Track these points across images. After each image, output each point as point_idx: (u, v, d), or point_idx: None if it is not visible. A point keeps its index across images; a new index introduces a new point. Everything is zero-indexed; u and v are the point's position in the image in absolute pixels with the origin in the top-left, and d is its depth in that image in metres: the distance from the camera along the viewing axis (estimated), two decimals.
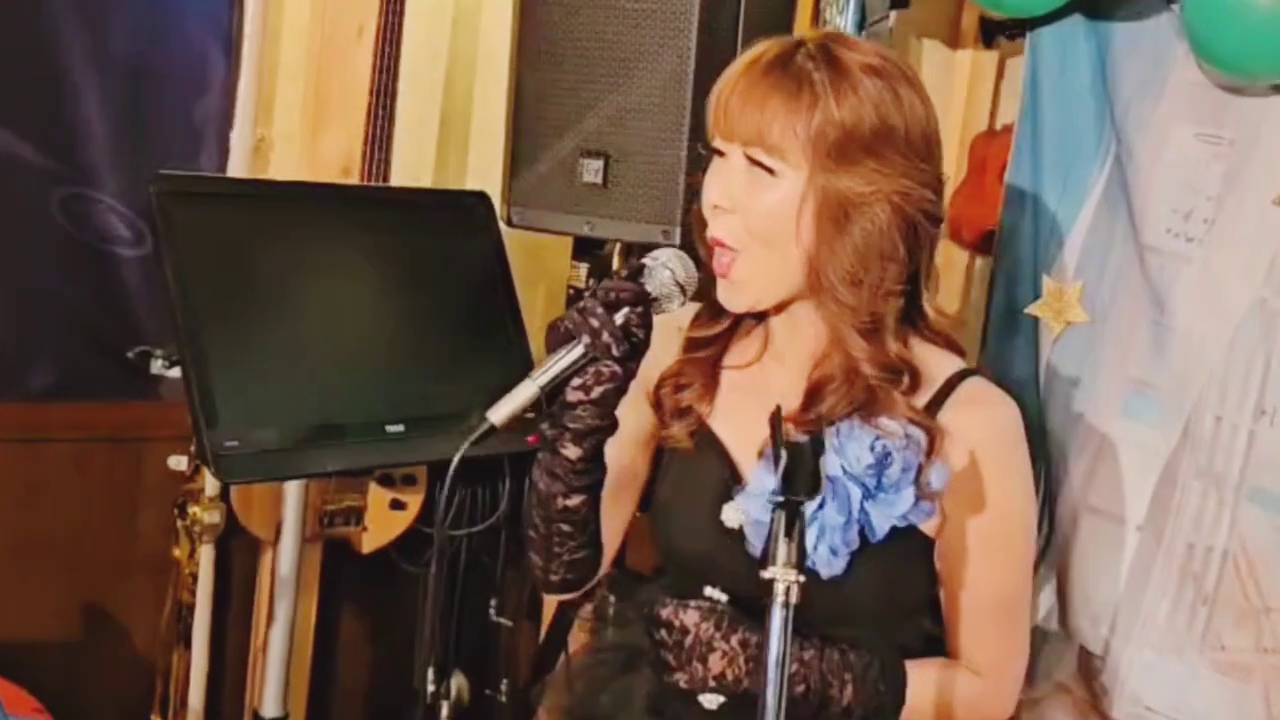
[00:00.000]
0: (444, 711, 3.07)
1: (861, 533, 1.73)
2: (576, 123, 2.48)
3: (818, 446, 1.43)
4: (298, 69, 3.00)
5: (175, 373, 2.35)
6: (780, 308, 1.82)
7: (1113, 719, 2.40)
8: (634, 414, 1.87)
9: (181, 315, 2.16)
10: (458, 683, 3.14)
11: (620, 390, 1.71)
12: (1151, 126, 2.41)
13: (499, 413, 1.68)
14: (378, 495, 2.89)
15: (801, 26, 2.79)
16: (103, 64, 2.83)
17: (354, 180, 2.84)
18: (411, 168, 3.06)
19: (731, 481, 1.83)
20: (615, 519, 1.93)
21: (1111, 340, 2.46)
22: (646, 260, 1.75)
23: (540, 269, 3.19)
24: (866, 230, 1.72)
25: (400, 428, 2.33)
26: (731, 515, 1.81)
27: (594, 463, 1.77)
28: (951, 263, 3.05)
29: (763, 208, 1.73)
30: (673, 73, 2.38)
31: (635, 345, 1.70)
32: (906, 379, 1.78)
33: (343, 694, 3.28)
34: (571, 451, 1.75)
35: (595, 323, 1.67)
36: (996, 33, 3.06)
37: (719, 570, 1.83)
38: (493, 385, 2.49)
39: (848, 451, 1.71)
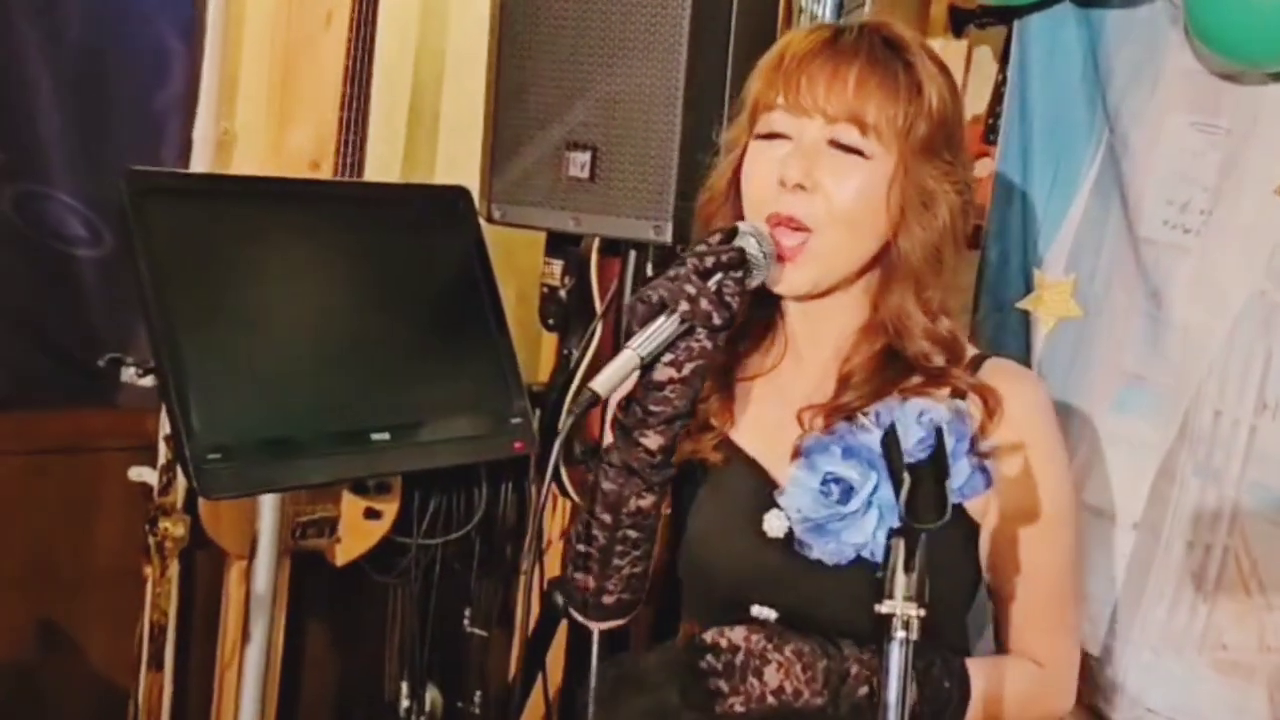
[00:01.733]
0: None
1: None
2: (561, 113, 2.40)
3: (940, 469, 1.35)
4: (262, 58, 2.91)
5: (148, 382, 2.25)
6: (812, 300, 1.77)
7: None
8: None
9: (157, 321, 2.06)
10: (431, 695, 3.08)
11: (707, 372, 1.66)
12: (1146, 116, 2.40)
13: (603, 382, 1.58)
14: (351, 504, 2.80)
15: (781, 15, 2.76)
16: (57, 53, 2.72)
17: (324, 174, 2.76)
18: (381, 161, 2.97)
19: (766, 492, 1.75)
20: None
21: (1105, 334, 2.44)
22: (739, 229, 1.68)
23: (511, 266, 3.12)
24: (944, 212, 1.72)
25: (386, 435, 2.25)
26: (775, 524, 1.73)
27: (670, 457, 1.70)
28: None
29: (851, 190, 1.69)
30: (664, 58, 2.31)
31: (731, 317, 1.63)
32: (957, 355, 1.76)
33: (312, 710, 3.20)
34: (653, 441, 1.67)
35: (691, 289, 1.61)
36: (965, 22, 3.06)
37: (764, 585, 1.75)
38: (475, 389, 2.48)
39: (904, 430, 1.64)
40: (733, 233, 1.68)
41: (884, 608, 1.37)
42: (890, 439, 1.38)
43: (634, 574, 1.78)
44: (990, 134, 2.87)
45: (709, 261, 1.63)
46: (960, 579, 1.78)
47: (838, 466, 1.67)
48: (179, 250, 2.14)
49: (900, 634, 1.37)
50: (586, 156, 2.38)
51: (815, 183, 1.69)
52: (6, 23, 2.68)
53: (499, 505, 3.01)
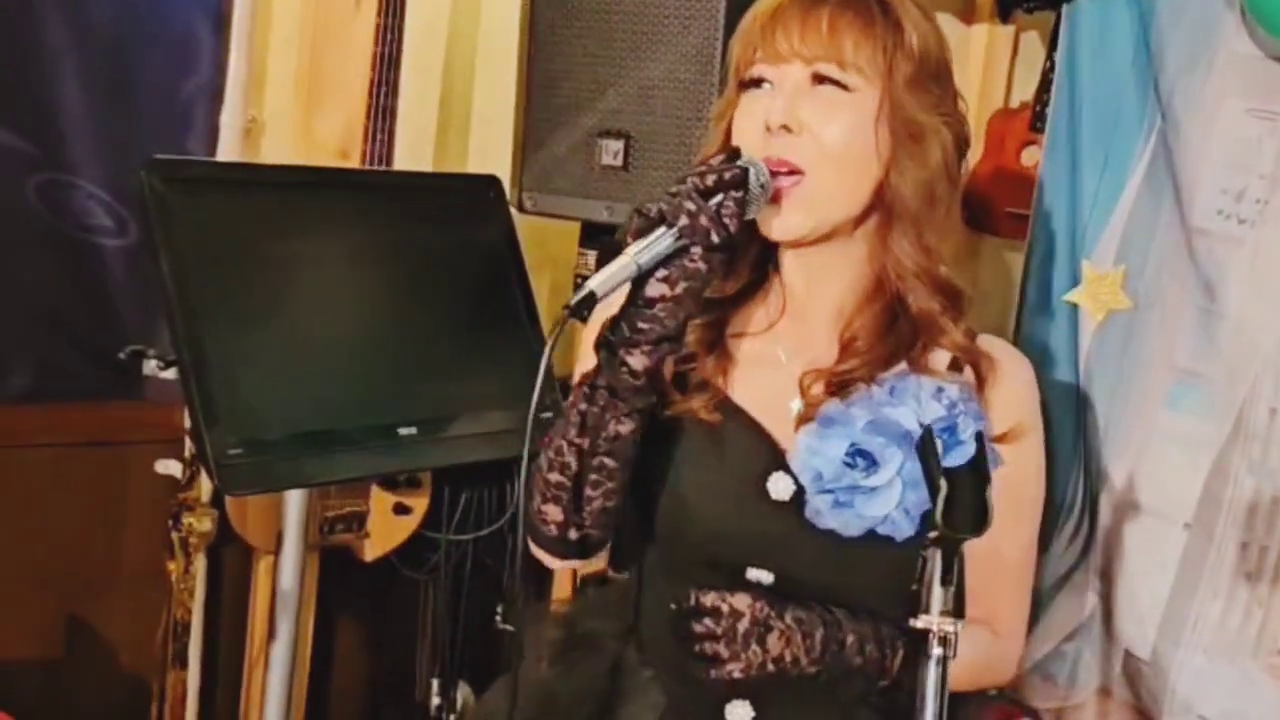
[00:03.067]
0: None
1: None
2: (594, 101, 2.37)
3: (982, 473, 1.28)
4: (290, 44, 2.89)
5: (170, 374, 2.22)
6: (810, 250, 1.75)
7: None
8: None
9: (179, 313, 2.03)
10: (463, 693, 3.06)
11: (699, 295, 1.63)
12: (1200, 102, 2.33)
13: (600, 282, 1.55)
14: (380, 499, 2.78)
15: None
16: (82, 39, 2.69)
17: (353, 163, 2.74)
18: (412, 149, 2.94)
19: (770, 455, 1.73)
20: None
21: (1157, 328, 2.37)
22: (742, 159, 1.66)
23: (546, 256, 3.09)
24: (936, 148, 1.72)
25: (413, 430, 2.21)
26: (780, 487, 1.71)
27: (655, 382, 1.67)
28: (971, 247, 2.99)
29: (837, 126, 1.68)
30: (699, 45, 2.28)
31: (729, 238, 1.60)
32: (955, 305, 1.75)
33: (341, 708, 3.19)
34: (638, 361, 1.63)
35: (692, 206, 1.58)
36: (1013, 6, 3.02)
37: (765, 549, 1.73)
38: (507, 382, 2.43)
39: (912, 404, 1.64)
40: (735, 154, 1.67)
41: (919, 623, 1.31)
42: (927, 442, 1.32)
43: (605, 508, 1.74)
44: (1038, 122, 2.83)
45: (710, 180, 1.61)
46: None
47: (862, 439, 1.65)
48: (201, 240, 2.11)
49: (937, 651, 1.30)
50: (620, 145, 2.35)
51: (801, 123, 1.68)
52: (33, 12, 2.66)
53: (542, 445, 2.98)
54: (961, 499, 1.29)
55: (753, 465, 1.74)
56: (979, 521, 1.30)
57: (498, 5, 3.01)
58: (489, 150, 2.91)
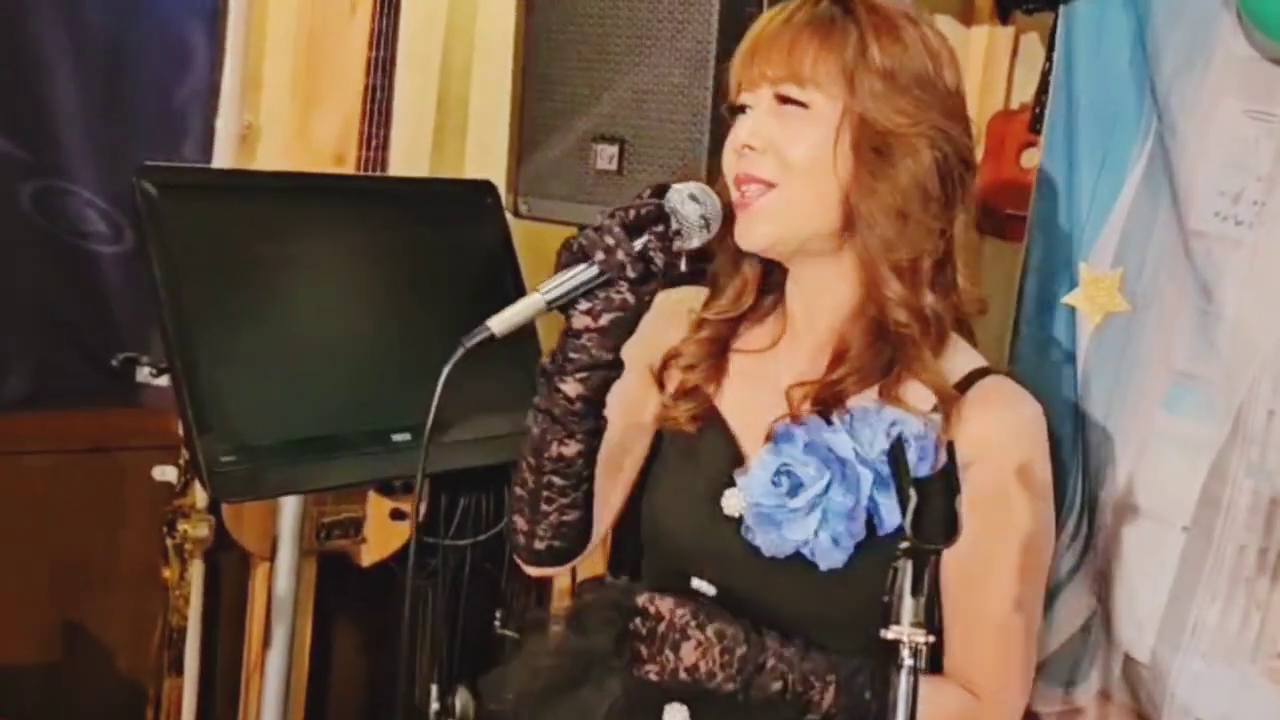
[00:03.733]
0: None
1: (869, 524, 1.66)
2: (589, 105, 2.36)
3: (951, 483, 1.28)
4: (286, 48, 2.89)
5: (163, 381, 2.22)
6: (802, 268, 1.77)
7: None
8: (637, 388, 1.83)
9: (171, 320, 2.03)
10: (462, 699, 3.06)
11: (629, 325, 1.66)
12: (1197, 103, 2.32)
13: (501, 321, 1.61)
14: (377, 504, 2.78)
15: None
16: (76, 44, 2.70)
17: (349, 167, 2.74)
18: (408, 153, 2.94)
19: (733, 468, 1.76)
20: (609, 494, 1.86)
21: (1154, 330, 2.36)
22: (673, 185, 1.68)
23: (542, 260, 3.07)
24: (908, 165, 1.69)
25: (406, 436, 2.21)
26: (733, 502, 1.74)
27: (594, 406, 1.71)
28: (970, 249, 2.99)
29: (799, 144, 1.69)
30: (694, 50, 2.27)
31: (651, 272, 1.63)
32: (934, 335, 1.72)
33: (340, 714, 3.19)
34: (571, 388, 1.69)
35: (610, 241, 1.61)
36: (1012, 7, 3.02)
37: (709, 560, 1.76)
38: (502, 387, 2.43)
39: (861, 435, 1.64)
40: (663, 189, 1.68)
41: (890, 633, 1.31)
42: (897, 452, 1.31)
43: (564, 521, 1.79)
44: (1037, 123, 2.82)
45: (630, 215, 1.63)
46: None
47: (794, 460, 1.67)
48: (194, 247, 2.11)
49: (908, 661, 1.30)
50: (614, 149, 2.34)
51: (765, 140, 1.70)
52: (29, 19, 2.65)
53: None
54: (931, 509, 1.29)
55: (715, 477, 1.77)
56: (949, 531, 1.29)
57: (493, 10, 3.01)
58: (485, 155, 2.90)
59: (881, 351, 1.73)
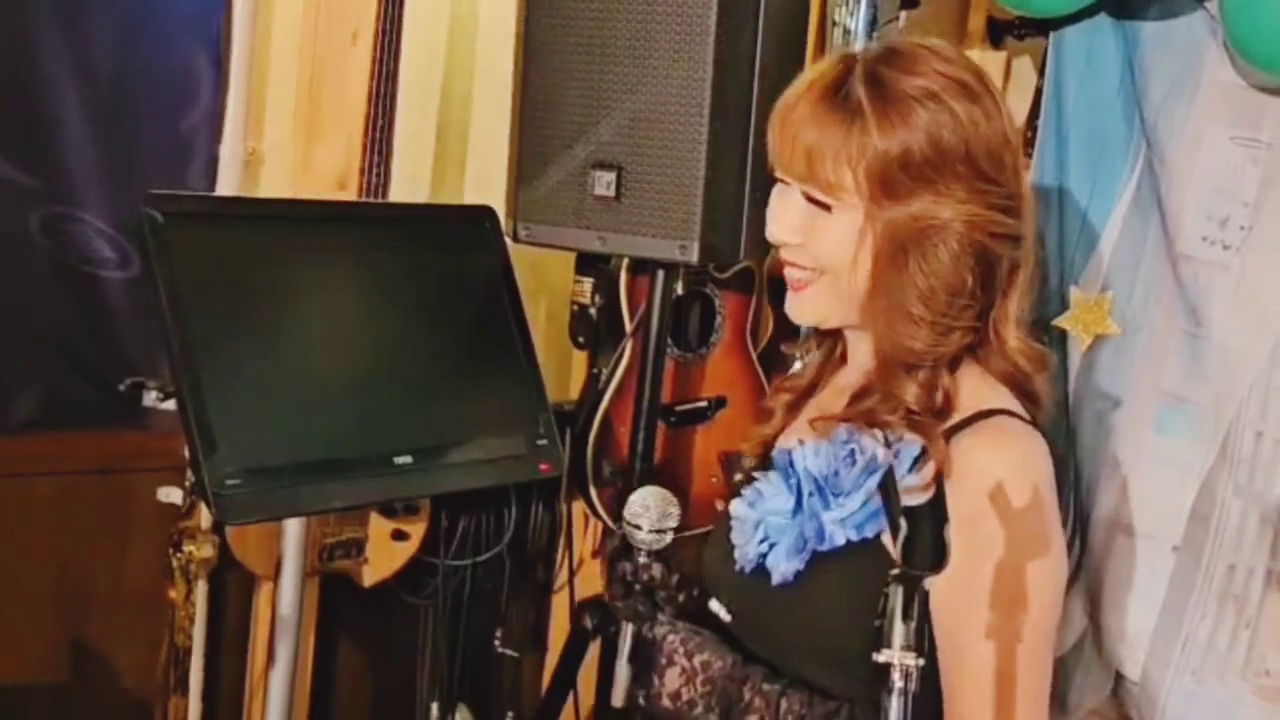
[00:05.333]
0: None
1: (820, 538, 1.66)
2: (587, 132, 2.37)
3: (939, 511, 1.31)
4: (289, 77, 2.89)
5: (170, 405, 2.24)
6: (850, 330, 1.78)
7: None
8: None
9: (177, 345, 2.04)
10: (462, 717, 3.07)
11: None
12: (1184, 130, 2.36)
13: (618, 695, 1.76)
14: (379, 526, 2.79)
15: (813, 29, 2.74)
16: (84, 75, 2.69)
17: (351, 193, 2.74)
18: (409, 180, 2.95)
19: None
20: None
21: (1144, 353, 2.41)
22: (625, 529, 1.78)
23: (542, 284, 3.11)
24: (929, 266, 1.63)
25: (408, 459, 2.22)
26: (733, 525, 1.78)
27: None
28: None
29: (824, 243, 1.68)
30: (690, 78, 2.27)
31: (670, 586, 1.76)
32: (946, 410, 1.66)
33: None
34: None
35: (641, 607, 1.75)
36: (1004, 33, 3.03)
37: (726, 586, 1.78)
38: (502, 410, 2.46)
39: (822, 449, 1.66)
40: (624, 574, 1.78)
41: (881, 657, 1.32)
42: (889, 482, 1.34)
43: None
44: (1029, 147, 2.83)
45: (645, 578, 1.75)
46: (857, 621, 1.53)
47: (766, 477, 1.73)
48: (199, 273, 2.12)
49: (899, 684, 1.31)
50: (612, 176, 2.35)
51: (802, 235, 1.69)
52: (36, 48, 2.66)
53: (529, 525, 3.00)
54: (920, 535, 1.31)
55: None
56: (936, 558, 1.31)
57: (492, 40, 3.03)
58: (484, 181, 2.91)
59: (895, 398, 1.68)
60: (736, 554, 1.71)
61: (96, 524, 2.85)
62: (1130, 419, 2.40)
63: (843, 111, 1.63)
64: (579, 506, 3.06)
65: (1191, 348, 2.33)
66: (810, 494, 1.64)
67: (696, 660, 1.72)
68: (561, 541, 3.10)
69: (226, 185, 2.82)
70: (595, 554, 3.18)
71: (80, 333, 2.80)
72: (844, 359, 1.84)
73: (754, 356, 3.03)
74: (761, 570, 1.67)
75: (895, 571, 1.34)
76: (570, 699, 2.70)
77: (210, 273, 2.15)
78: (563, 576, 3.18)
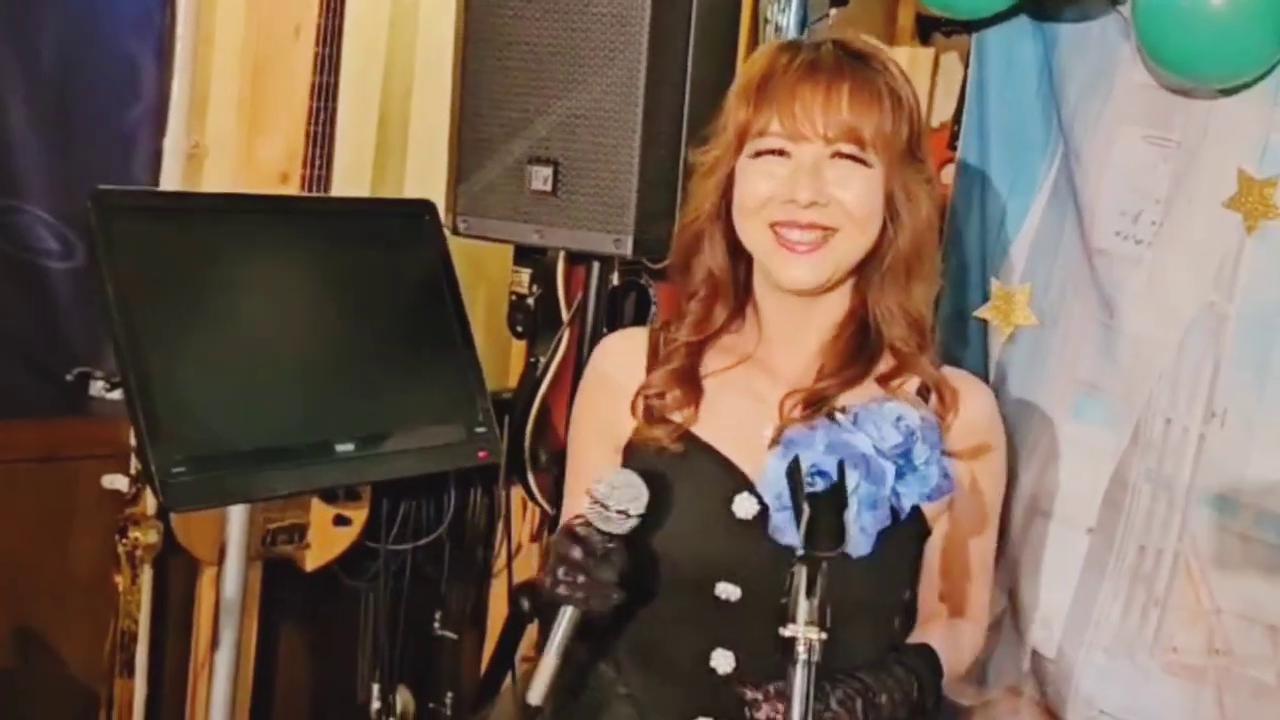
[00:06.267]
0: None
1: (893, 512, 1.75)
2: (524, 128, 2.43)
3: (839, 498, 1.40)
4: (232, 71, 2.91)
5: (116, 395, 2.28)
6: (804, 297, 1.89)
7: None
8: (603, 457, 1.95)
9: (123, 336, 2.08)
10: (402, 698, 3.11)
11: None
12: (1099, 128, 2.41)
13: (536, 693, 1.75)
14: (321, 511, 2.83)
15: (744, 26, 2.78)
16: (26, 66, 2.72)
17: (293, 186, 2.77)
18: (351, 173, 2.99)
19: (732, 477, 1.85)
20: None
21: (1061, 343, 2.46)
22: (590, 508, 1.77)
23: (481, 275, 3.14)
24: (925, 210, 1.89)
25: (350, 447, 2.28)
26: (745, 506, 1.83)
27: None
28: None
29: (859, 194, 1.83)
30: (625, 78, 2.34)
31: (614, 597, 1.76)
32: (929, 344, 1.93)
33: (284, 714, 3.21)
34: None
35: (582, 594, 1.74)
36: (932, 29, 3.08)
37: (732, 566, 1.83)
38: (441, 399, 2.50)
39: (871, 431, 1.72)
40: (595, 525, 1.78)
41: (786, 631, 1.42)
42: (794, 471, 1.42)
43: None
44: (955, 141, 2.88)
45: (591, 547, 1.74)
46: (902, 577, 1.95)
47: (821, 460, 1.72)
48: (146, 267, 2.16)
49: (803, 656, 1.41)
50: (549, 171, 2.41)
51: (828, 197, 1.82)
52: None
53: (468, 510, 3.04)
54: (823, 521, 1.40)
55: (718, 489, 1.86)
56: (836, 542, 1.40)
57: (433, 35, 3.06)
58: (424, 175, 2.95)
59: (863, 354, 1.89)
60: (790, 538, 1.67)
61: (41, 512, 2.86)
62: (1048, 407, 2.45)
63: (868, 81, 1.83)
64: (517, 492, 3.09)
65: (1105, 338, 2.39)
66: (895, 473, 1.72)
67: (834, 703, 1.70)
68: (500, 526, 3.14)
69: (170, 178, 2.85)
70: (533, 539, 3.22)
71: (23, 322, 2.81)
72: (732, 330, 1.96)
73: None
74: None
75: (800, 554, 1.44)
76: (509, 679, 2.76)
77: (156, 265, 2.18)
78: (501, 561, 3.22)
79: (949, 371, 1.98)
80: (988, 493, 1.99)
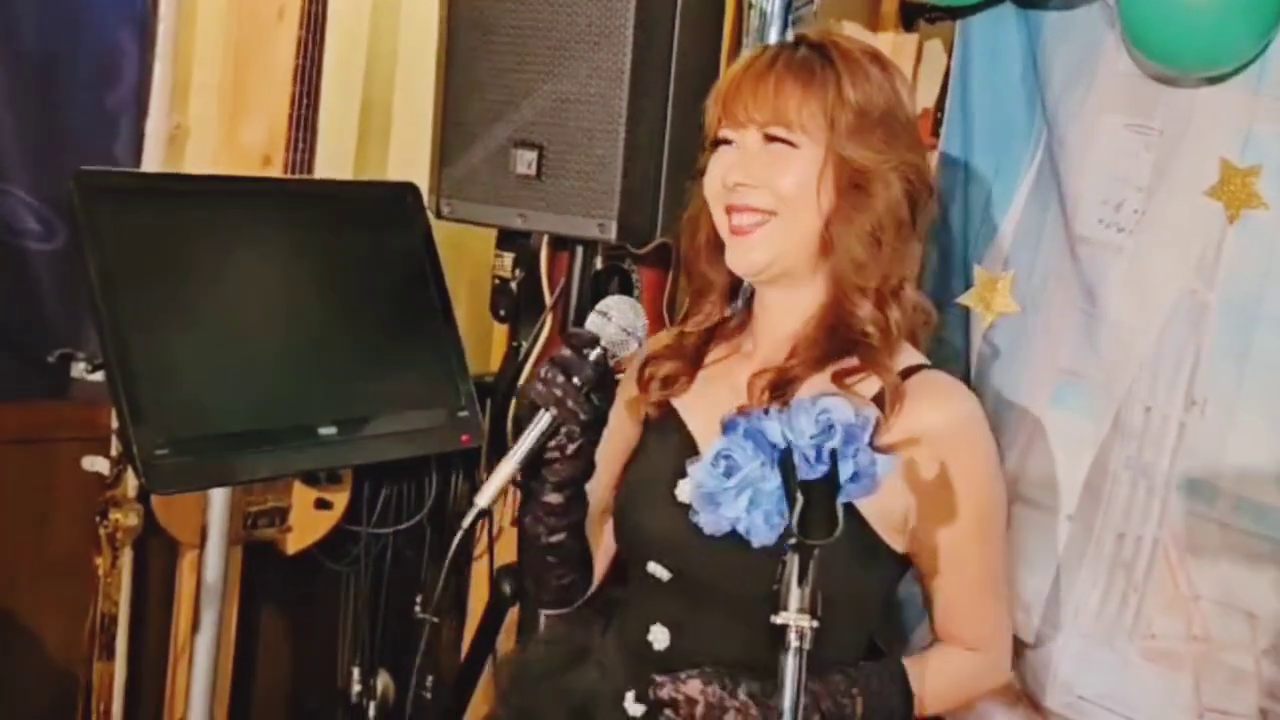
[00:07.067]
0: (370, 711, 3.03)
1: None
2: (509, 112, 2.42)
3: (834, 486, 1.40)
4: (215, 53, 2.90)
5: (98, 377, 2.27)
6: (776, 289, 1.91)
7: (1045, 708, 2.41)
8: (622, 429, 1.99)
9: (106, 318, 2.08)
10: (383, 681, 3.11)
11: (594, 442, 1.84)
12: (1082, 116, 2.42)
13: (485, 495, 1.77)
14: (302, 495, 2.83)
15: (729, 12, 2.78)
16: (9, 49, 2.70)
17: (276, 169, 2.76)
18: (334, 156, 2.98)
19: (687, 459, 1.86)
20: (607, 541, 2.04)
21: (1042, 330, 2.46)
22: (593, 317, 1.84)
23: (464, 258, 3.13)
24: (883, 196, 1.85)
25: (333, 430, 2.28)
26: (685, 489, 1.85)
27: (574, 503, 1.90)
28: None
29: (788, 177, 1.84)
30: (609, 62, 2.34)
31: (598, 405, 1.81)
32: (893, 341, 1.88)
33: (265, 697, 3.21)
34: (553, 498, 1.88)
35: (559, 392, 1.78)
36: (916, 15, 3.07)
37: (666, 546, 1.88)
38: (423, 383, 2.50)
39: (795, 423, 1.70)
40: (592, 337, 1.83)
41: (779, 619, 1.43)
42: (787, 460, 1.43)
43: (562, 585, 2.00)
44: (938, 128, 2.88)
45: (567, 364, 1.79)
46: (854, 579, 1.84)
47: (734, 444, 1.74)
48: (128, 249, 2.15)
49: (795, 644, 1.42)
50: (533, 155, 2.41)
51: (757, 177, 1.84)
52: None
53: (450, 494, 3.05)
54: (816, 508, 1.40)
55: (671, 468, 1.90)
56: (829, 528, 1.41)
57: (417, 20, 3.06)
58: (408, 159, 2.94)
59: (832, 341, 1.88)
60: (701, 519, 1.72)
61: (20, 494, 2.86)
62: (1029, 394, 2.46)
63: (804, 68, 1.86)
64: None
65: (1087, 326, 2.40)
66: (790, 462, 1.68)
67: (742, 694, 1.78)
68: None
69: (152, 160, 2.83)
70: (514, 523, 3.22)
71: (3, 304, 2.80)
72: (741, 326, 1.99)
73: None
74: (733, 534, 1.71)
75: (792, 541, 1.44)
76: (489, 662, 2.76)
77: (138, 247, 2.18)
78: (482, 544, 3.22)
79: (927, 375, 1.92)
80: (961, 509, 1.88)
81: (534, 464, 1.82)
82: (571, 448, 1.82)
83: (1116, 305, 2.36)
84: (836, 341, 1.88)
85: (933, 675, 1.92)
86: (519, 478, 1.83)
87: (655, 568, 1.89)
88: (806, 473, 1.55)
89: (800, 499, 1.42)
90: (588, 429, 1.81)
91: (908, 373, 1.89)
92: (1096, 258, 2.38)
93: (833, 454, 1.57)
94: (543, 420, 1.79)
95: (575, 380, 1.79)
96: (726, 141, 1.88)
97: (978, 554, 1.93)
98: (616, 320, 1.82)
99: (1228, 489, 2.23)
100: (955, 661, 1.96)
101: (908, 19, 3.11)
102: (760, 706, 1.76)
